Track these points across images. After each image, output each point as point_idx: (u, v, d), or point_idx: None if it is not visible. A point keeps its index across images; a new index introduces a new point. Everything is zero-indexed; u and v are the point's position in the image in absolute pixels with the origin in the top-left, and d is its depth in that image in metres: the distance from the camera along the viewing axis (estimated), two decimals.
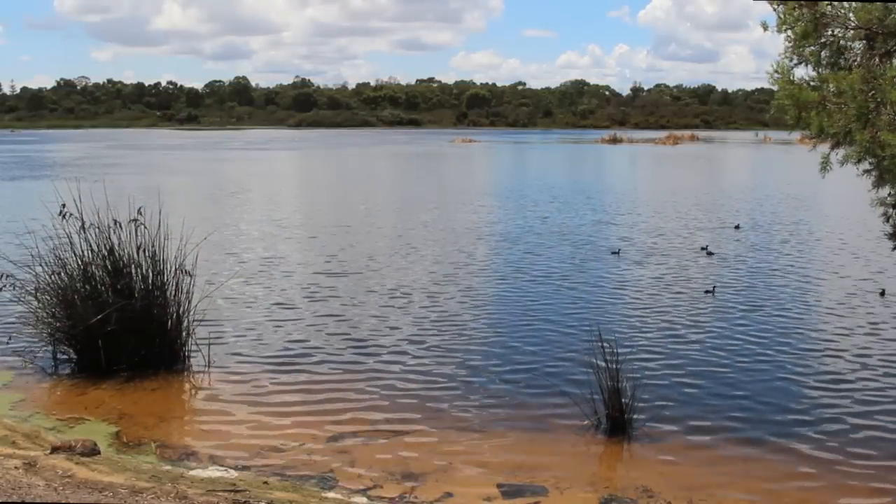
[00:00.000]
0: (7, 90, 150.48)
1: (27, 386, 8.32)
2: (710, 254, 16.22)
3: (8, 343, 9.22)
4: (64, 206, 8.71)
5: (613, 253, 16.31)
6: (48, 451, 6.11)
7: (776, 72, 5.08)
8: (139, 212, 8.89)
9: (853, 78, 4.65)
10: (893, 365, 9.06)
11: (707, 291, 12.64)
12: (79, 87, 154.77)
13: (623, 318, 11.19)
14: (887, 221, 5.88)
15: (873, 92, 4.59)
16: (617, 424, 7.07)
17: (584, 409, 7.26)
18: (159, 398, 8.07)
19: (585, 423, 7.23)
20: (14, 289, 8.88)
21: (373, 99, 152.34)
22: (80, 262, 8.73)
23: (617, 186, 33.95)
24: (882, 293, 12.48)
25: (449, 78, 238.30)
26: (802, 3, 4.95)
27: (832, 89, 4.93)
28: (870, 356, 9.39)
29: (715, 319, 11.09)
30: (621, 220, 22.05)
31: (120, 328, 8.48)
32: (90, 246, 8.76)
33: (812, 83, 5.10)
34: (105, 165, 42.88)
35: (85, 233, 8.75)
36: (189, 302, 9.05)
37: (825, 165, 5.27)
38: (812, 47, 5.00)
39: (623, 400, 7.06)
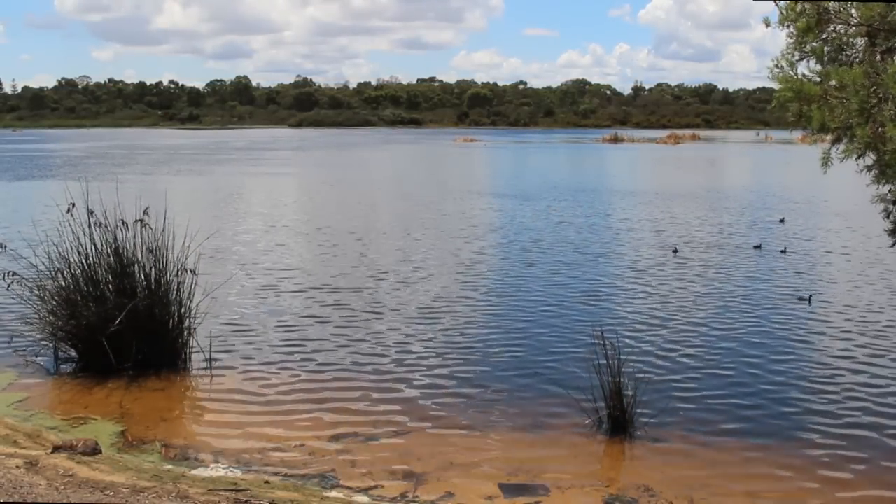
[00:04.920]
0: (8, 89, 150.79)
1: (29, 385, 8.32)
2: (782, 251, 16.12)
3: (10, 343, 9.23)
4: (73, 205, 8.71)
5: (674, 251, 16.27)
6: (49, 451, 6.11)
7: (776, 66, 5.07)
8: (146, 212, 8.90)
9: (855, 73, 4.64)
10: None
11: (801, 298, 11.99)
12: (80, 87, 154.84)
13: (626, 317, 11.17)
14: (887, 217, 5.88)
15: (875, 87, 4.58)
16: (618, 424, 7.07)
17: (585, 408, 7.26)
18: (161, 398, 8.07)
19: (587, 422, 7.23)
20: (18, 287, 8.89)
21: (374, 98, 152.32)
22: (82, 262, 8.74)
23: (634, 187, 33.55)
24: None
25: (450, 77, 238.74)
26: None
27: (834, 84, 4.92)
28: (875, 357, 9.36)
29: (719, 319, 11.07)
30: (646, 219, 22.05)
31: (122, 328, 8.47)
32: (93, 245, 8.77)
33: (814, 78, 5.09)
34: (107, 165, 42.90)
35: (89, 232, 8.75)
36: (191, 301, 9.05)
37: (826, 161, 5.27)
38: (814, 43, 5.00)
39: (625, 399, 7.06)
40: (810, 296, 12.08)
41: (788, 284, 13.33)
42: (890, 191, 5.49)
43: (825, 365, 9.08)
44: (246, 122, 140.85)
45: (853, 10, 4.84)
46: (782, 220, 21.00)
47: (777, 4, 5.08)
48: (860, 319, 11.03)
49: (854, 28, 4.84)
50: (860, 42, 4.92)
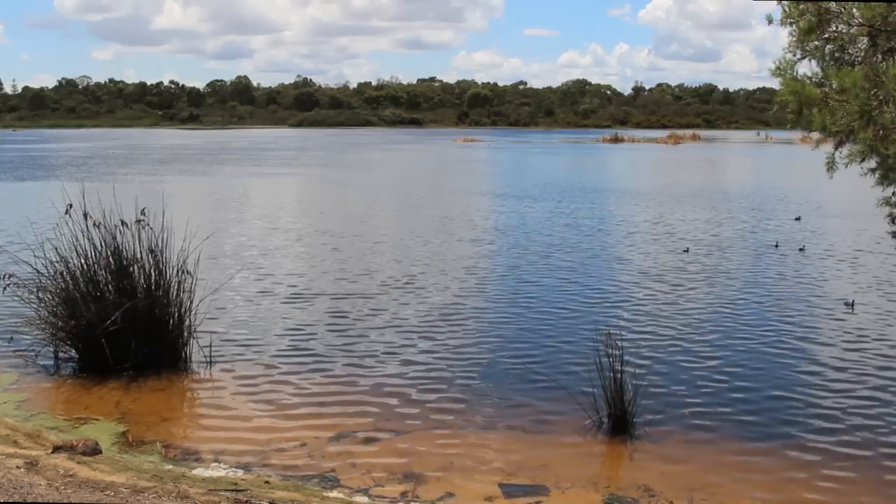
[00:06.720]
0: (8, 89, 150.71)
1: (29, 386, 8.32)
2: (801, 250, 16.17)
3: (10, 343, 9.23)
4: (70, 205, 8.71)
5: (685, 251, 16.22)
6: (50, 451, 6.11)
7: (778, 68, 5.04)
8: (143, 212, 8.91)
9: (856, 75, 4.62)
10: None
11: (847, 303, 11.59)
12: (80, 87, 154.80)
13: (631, 317, 11.16)
14: (892, 222, 5.83)
15: (876, 89, 4.56)
16: (619, 424, 7.06)
17: (586, 408, 7.25)
18: (161, 398, 8.07)
19: (587, 422, 7.22)
20: (17, 288, 8.89)
21: (374, 98, 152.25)
22: (83, 262, 8.74)
23: (638, 187, 33.38)
24: None
25: (450, 77, 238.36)
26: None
27: (835, 86, 4.88)
28: (884, 359, 9.33)
29: (721, 319, 11.06)
30: (653, 219, 22.03)
31: (122, 328, 8.47)
32: (93, 246, 8.77)
33: (815, 79, 5.06)
34: (108, 165, 42.89)
35: (89, 233, 8.76)
36: (191, 302, 9.05)
37: (831, 165, 5.23)
38: (816, 42, 4.97)
39: (625, 399, 7.06)
40: (853, 301, 11.66)
41: (801, 285, 13.27)
42: (894, 193, 5.46)
43: (831, 367, 9.02)
44: (246, 122, 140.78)
45: (855, 10, 4.81)
46: (798, 219, 20.93)
47: (781, 4, 5.06)
48: (871, 321, 10.97)
49: (856, 28, 4.82)
50: (863, 41, 4.90)
